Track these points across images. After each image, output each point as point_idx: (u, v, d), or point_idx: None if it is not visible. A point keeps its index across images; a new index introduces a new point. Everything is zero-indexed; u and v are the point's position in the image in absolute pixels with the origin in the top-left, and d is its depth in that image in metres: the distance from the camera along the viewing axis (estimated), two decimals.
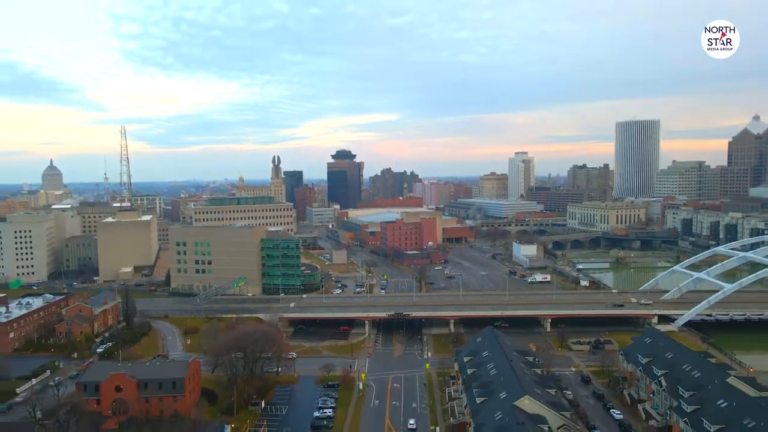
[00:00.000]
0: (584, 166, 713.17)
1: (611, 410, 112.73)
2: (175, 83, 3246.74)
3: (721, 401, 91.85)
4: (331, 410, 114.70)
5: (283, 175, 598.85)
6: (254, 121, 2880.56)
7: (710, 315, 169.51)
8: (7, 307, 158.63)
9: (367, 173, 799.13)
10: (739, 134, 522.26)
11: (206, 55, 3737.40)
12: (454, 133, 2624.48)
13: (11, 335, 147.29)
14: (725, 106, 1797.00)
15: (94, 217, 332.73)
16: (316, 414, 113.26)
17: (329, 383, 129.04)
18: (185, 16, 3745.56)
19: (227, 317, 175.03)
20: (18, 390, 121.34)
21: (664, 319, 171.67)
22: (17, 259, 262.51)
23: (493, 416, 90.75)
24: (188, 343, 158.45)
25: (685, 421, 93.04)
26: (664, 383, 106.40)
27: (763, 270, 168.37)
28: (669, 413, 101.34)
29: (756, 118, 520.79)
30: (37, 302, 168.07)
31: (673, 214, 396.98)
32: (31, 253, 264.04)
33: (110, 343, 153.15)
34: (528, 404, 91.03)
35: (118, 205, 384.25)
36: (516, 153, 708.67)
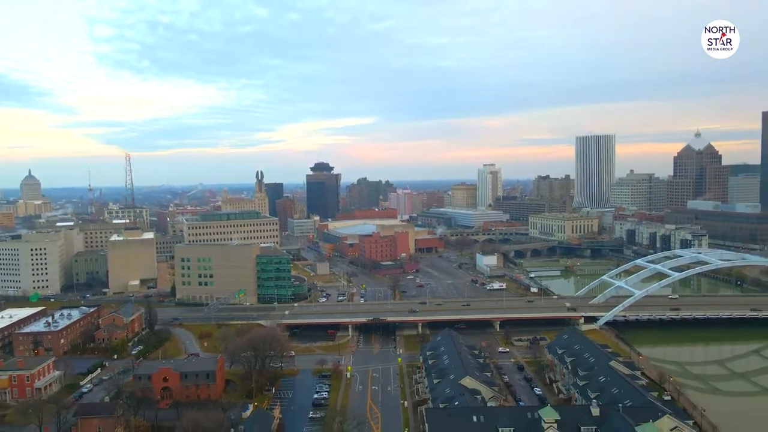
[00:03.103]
0: (548, 176, 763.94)
1: (534, 388, 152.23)
2: (150, 87, 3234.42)
3: (601, 377, 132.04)
4: (326, 393, 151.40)
5: (264, 188, 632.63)
6: (230, 125, 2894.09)
7: (624, 316, 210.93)
8: (54, 318, 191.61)
9: (342, 175, 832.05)
10: (683, 149, 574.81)
11: (182, 59, 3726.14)
12: (430, 137, 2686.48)
13: (62, 341, 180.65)
14: (697, 110, 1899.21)
15: (97, 233, 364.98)
16: (315, 396, 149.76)
17: (323, 374, 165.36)
18: (162, 20, 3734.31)
19: (234, 324, 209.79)
20: (81, 383, 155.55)
21: (591, 320, 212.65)
22: (33, 274, 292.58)
23: (444, 391, 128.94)
24: (205, 345, 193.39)
25: (578, 392, 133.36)
26: (569, 367, 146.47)
27: (666, 279, 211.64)
28: (571, 388, 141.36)
29: (697, 135, 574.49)
30: (75, 313, 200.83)
31: (620, 224, 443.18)
32: (46, 268, 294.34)
33: (141, 347, 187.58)
34: (468, 382, 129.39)
35: (121, 222, 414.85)
36: (484, 165, 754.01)
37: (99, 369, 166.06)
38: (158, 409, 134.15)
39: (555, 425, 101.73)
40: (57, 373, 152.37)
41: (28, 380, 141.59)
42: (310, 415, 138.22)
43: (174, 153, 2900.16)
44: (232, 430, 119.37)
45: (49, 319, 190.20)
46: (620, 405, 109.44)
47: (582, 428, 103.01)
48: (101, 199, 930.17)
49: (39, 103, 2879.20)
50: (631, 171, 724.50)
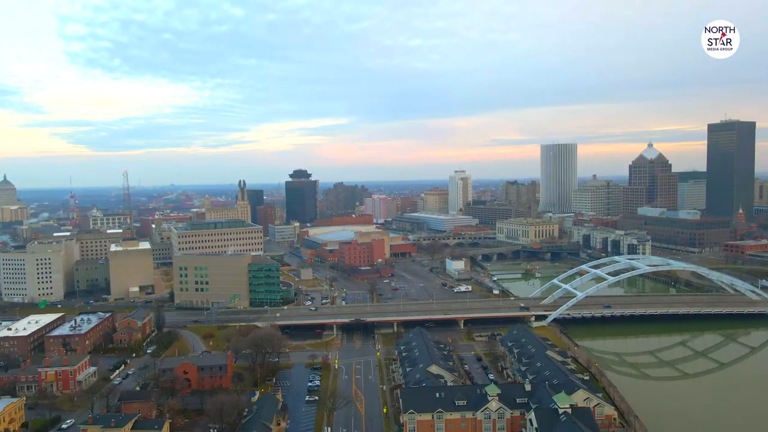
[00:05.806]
0: (515, 182, 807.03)
1: (489, 374, 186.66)
2: (121, 86, 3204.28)
3: (538, 363, 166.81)
4: (318, 381, 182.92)
5: (246, 196, 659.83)
6: (203, 125, 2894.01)
7: (569, 314, 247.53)
8: (76, 322, 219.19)
9: (316, 174, 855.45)
10: (637, 159, 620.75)
11: (156, 58, 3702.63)
12: (404, 137, 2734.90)
13: (86, 342, 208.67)
14: (663, 111, 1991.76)
15: (93, 242, 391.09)
16: (309, 384, 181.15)
17: (314, 367, 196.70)
18: (135, 18, 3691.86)
19: (233, 325, 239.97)
20: (111, 377, 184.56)
21: (541, 317, 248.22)
22: (39, 282, 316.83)
23: (415, 377, 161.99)
24: (210, 344, 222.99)
25: (520, 376, 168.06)
26: (516, 356, 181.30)
27: (603, 282, 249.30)
28: (516, 373, 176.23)
29: (650, 145, 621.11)
30: (93, 318, 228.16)
31: (578, 229, 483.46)
32: (50, 277, 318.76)
33: (154, 346, 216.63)
34: (434, 369, 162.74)
35: (115, 232, 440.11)
36: (455, 171, 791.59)
37: (123, 365, 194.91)
38: (182, 396, 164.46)
39: (497, 398, 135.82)
40: (92, 368, 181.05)
41: (71, 374, 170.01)
42: (307, 399, 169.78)
43: (144, 153, 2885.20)
44: (247, 409, 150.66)
45: (73, 324, 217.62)
46: (547, 383, 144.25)
47: (517, 399, 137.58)
48: (76, 203, 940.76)
49: (4, 102, 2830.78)
50: (594, 176, 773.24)
